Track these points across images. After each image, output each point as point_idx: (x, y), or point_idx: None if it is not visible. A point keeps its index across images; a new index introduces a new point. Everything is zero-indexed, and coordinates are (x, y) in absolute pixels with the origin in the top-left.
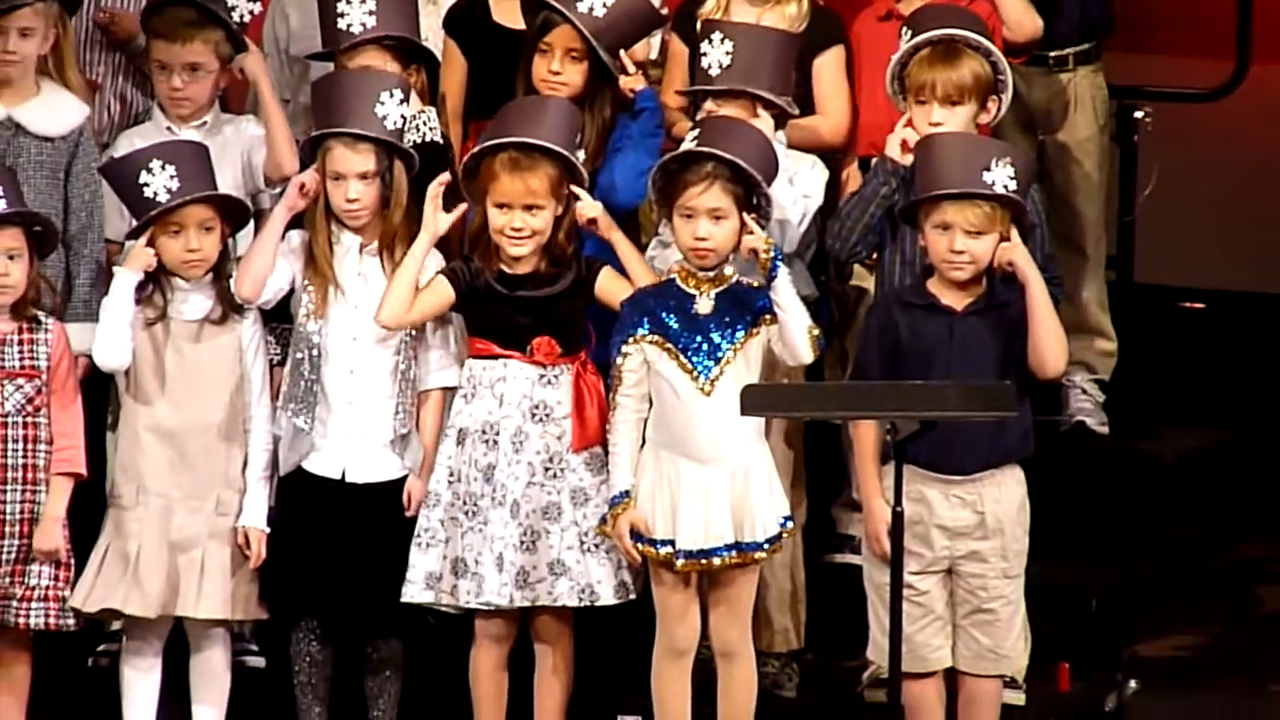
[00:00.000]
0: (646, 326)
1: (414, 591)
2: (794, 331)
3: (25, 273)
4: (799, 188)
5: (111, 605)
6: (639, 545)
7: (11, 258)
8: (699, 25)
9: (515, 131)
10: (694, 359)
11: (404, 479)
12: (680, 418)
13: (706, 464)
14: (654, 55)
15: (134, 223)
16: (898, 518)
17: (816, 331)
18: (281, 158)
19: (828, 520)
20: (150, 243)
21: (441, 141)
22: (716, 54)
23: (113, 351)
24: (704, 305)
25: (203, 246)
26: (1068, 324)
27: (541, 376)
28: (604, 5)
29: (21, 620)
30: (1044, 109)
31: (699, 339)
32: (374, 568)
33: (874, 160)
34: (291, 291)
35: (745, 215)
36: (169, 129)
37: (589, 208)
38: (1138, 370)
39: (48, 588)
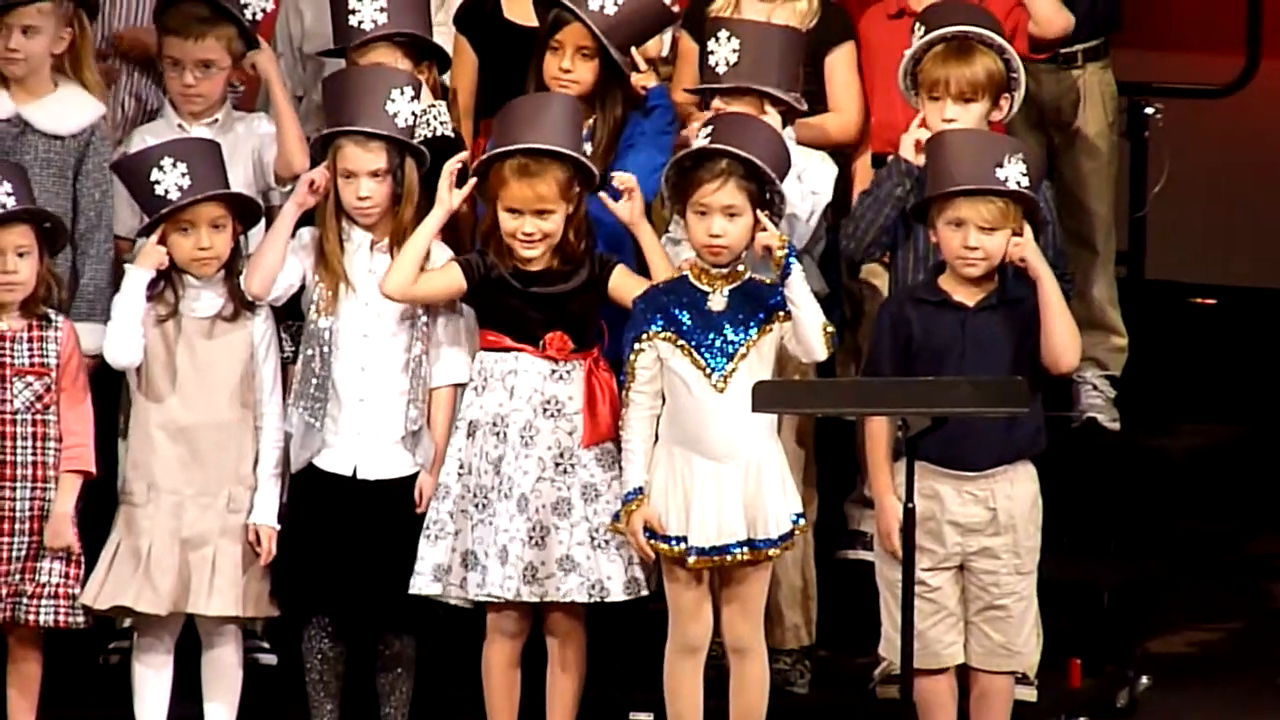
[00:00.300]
0: (660, 323)
1: (422, 584)
2: (808, 328)
3: (35, 270)
4: (808, 184)
5: (123, 602)
6: (652, 542)
7: (21, 255)
8: (706, 23)
9: (521, 135)
10: (707, 356)
11: (415, 475)
12: (693, 414)
13: (720, 461)
14: (665, 52)
15: (145, 220)
16: (909, 514)
17: (830, 328)
18: (292, 155)
19: (839, 516)
20: (162, 240)
21: (453, 136)
22: (723, 52)
23: (124, 349)
24: (717, 302)
25: (214, 244)
26: (1079, 320)
27: (553, 371)
28: (615, 3)
29: (32, 618)
30: (1054, 105)
31: (712, 336)
32: (385, 564)
33: (889, 158)
34: (303, 288)
35: (759, 212)
36: (180, 126)
37: (623, 179)
38: (1149, 366)
39: (58, 585)
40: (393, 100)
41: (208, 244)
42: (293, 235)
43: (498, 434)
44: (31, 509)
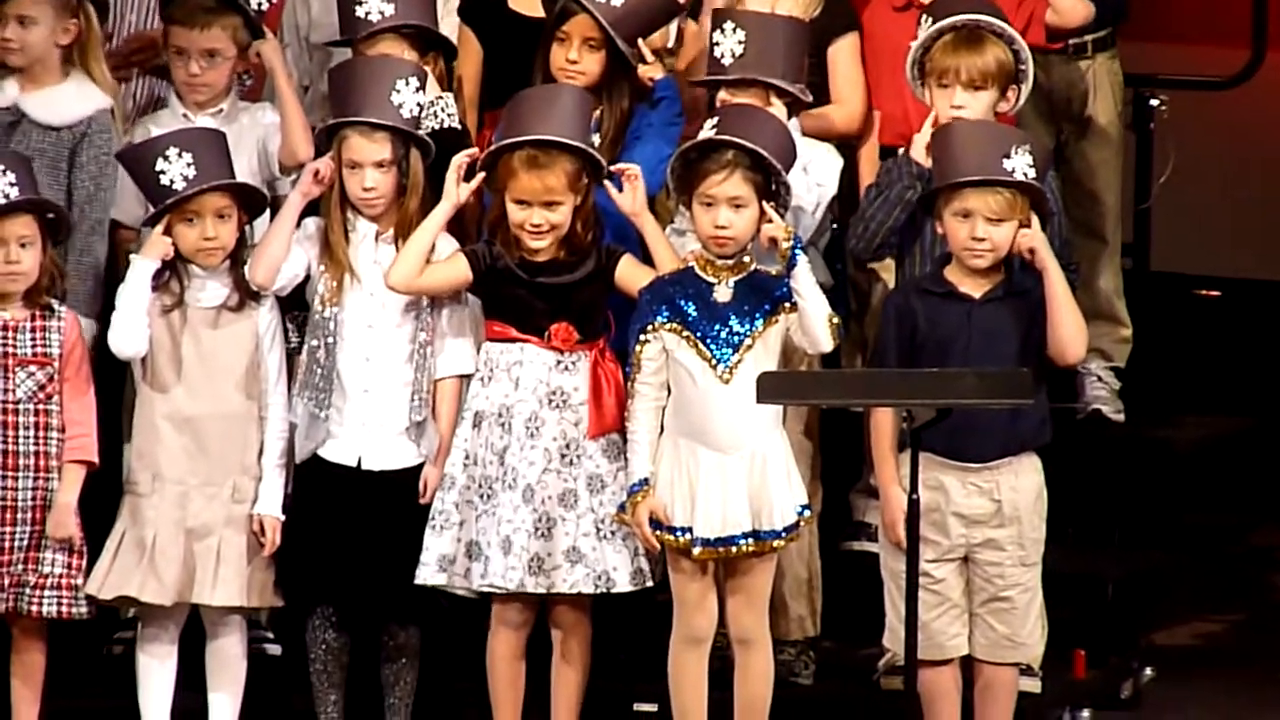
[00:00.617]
0: (665, 314)
1: (427, 574)
2: (814, 320)
3: (37, 260)
4: (813, 176)
5: (127, 592)
6: (657, 533)
7: (24, 245)
8: (711, 14)
9: (530, 126)
10: (713, 347)
11: (420, 466)
12: (699, 406)
13: (725, 452)
14: (671, 43)
15: (151, 210)
16: (913, 505)
17: (836, 320)
18: (296, 145)
19: (844, 508)
20: (167, 230)
21: (460, 128)
22: (729, 43)
23: (130, 339)
24: (723, 293)
25: (219, 234)
26: (1085, 311)
27: (559, 362)
28: None
29: (35, 608)
30: (1064, 96)
31: (718, 327)
32: (390, 555)
33: (899, 154)
34: (308, 278)
35: (765, 204)
36: (185, 116)
37: (629, 168)
38: (1154, 358)
39: (60, 576)
40: (398, 91)
41: (213, 234)
42: (298, 225)
43: (503, 425)
44: (34, 499)
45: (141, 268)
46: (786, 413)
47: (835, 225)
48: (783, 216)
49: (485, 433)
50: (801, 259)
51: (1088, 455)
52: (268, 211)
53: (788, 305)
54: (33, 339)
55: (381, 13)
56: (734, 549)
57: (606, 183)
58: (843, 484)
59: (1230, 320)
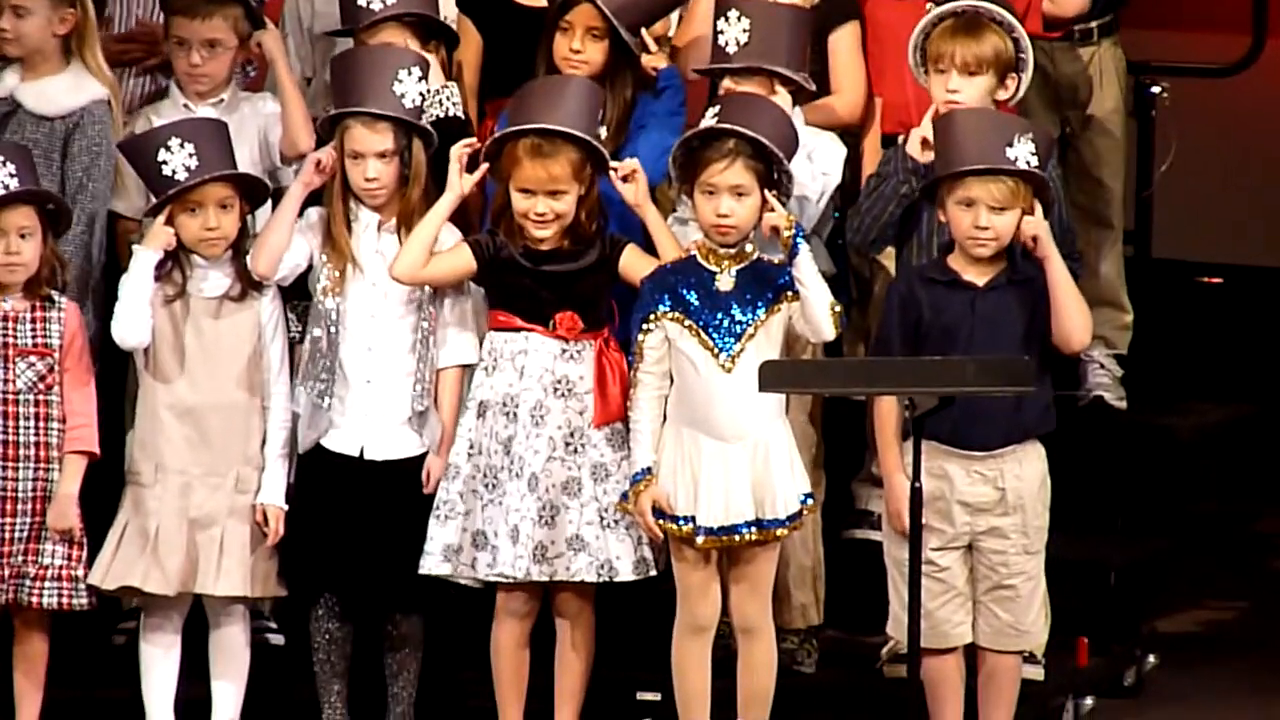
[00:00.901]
0: (667, 303)
1: (432, 564)
2: (816, 308)
3: (37, 251)
4: (818, 164)
5: (131, 583)
6: (660, 522)
7: (23, 236)
8: (714, 1)
9: (537, 115)
10: (715, 336)
11: (422, 456)
12: (701, 395)
13: (727, 441)
14: (672, 32)
15: (153, 200)
16: (916, 493)
17: (838, 308)
18: (297, 135)
19: (847, 496)
20: (169, 220)
21: (463, 117)
22: (733, 32)
23: (132, 330)
24: (725, 282)
25: (221, 224)
26: (1088, 297)
27: (564, 351)
28: None
29: (35, 599)
30: (1070, 83)
31: (720, 316)
32: (393, 545)
33: (899, 139)
34: (310, 268)
35: (767, 192)
36: (186, 106)
37: (628, 164)
38: (1156, 345)
39: (61, 567)
40: (400, 81)
41: (215, 224)
42: (300, 215)
43: (508, 414)
44: (34, 490)
45: (144, 258)
46: (789, 401)
47: (837, 214)
48: (784, 205)
49: (490, 422)
50: (803, 247)
51: (1090, 442)
52: (269, 201)
53: (790, 294)
54: (33, 329)
55: (383, 2)
56: (737, 538)
57: (611, 174)
58: (845, 472)
59: (1232, 307)
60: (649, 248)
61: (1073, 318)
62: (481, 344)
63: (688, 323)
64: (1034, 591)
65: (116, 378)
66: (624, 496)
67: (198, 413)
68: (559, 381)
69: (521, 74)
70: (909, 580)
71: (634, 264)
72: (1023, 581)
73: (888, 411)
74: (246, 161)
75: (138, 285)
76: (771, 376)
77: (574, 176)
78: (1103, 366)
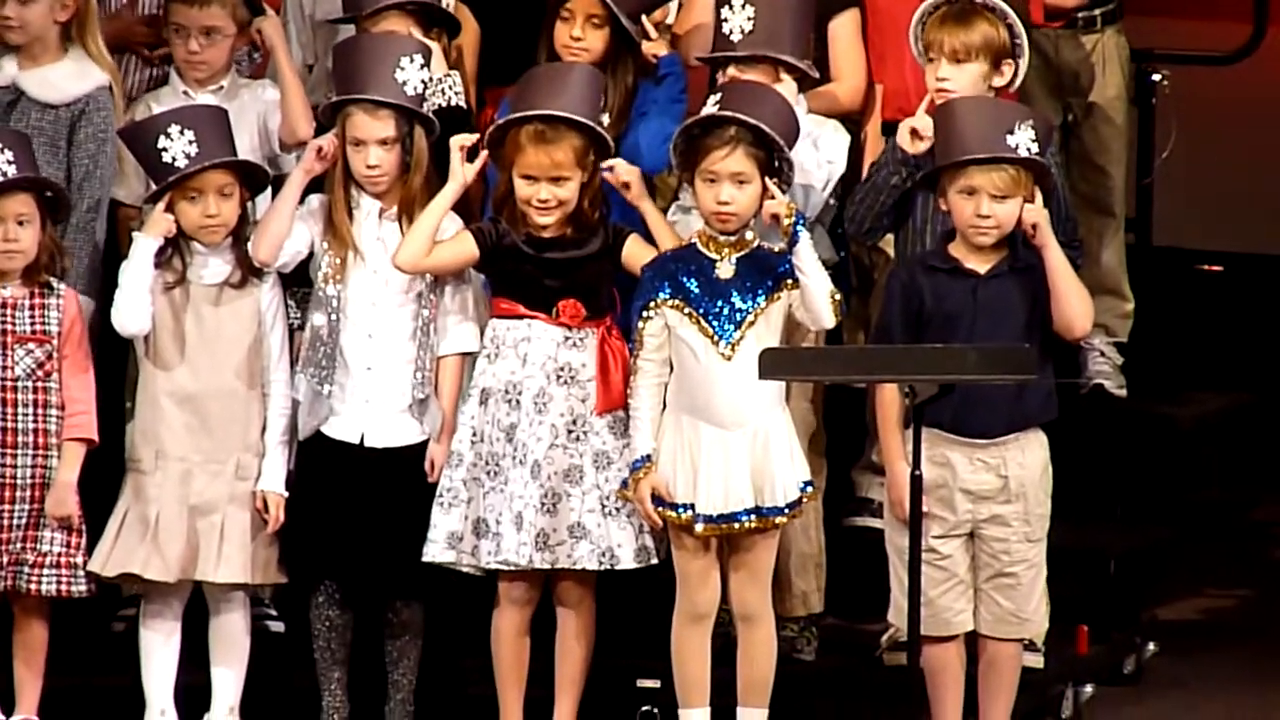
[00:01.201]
0: (667, 291)
1: (435, 551)
2: (815, 296)
3: (36, 238)
4: (823, 153)
5: (131, 570)
6: (660, 509)
7: (22, 223)
8: None
9: (540, 102)
10: (715, 323)
11: (423, 444)
12: (701, 382)
13: (727, 428)
14: (671, 19)
15: (153, 187)
16: (916, 481)
17: (838, 296)
18: (296, 123)
19: (847, 484)
20: (169, 208)
21: (465, 107)
22: (738, 20)
23: (133, 317)
24: (725, 270)
25: (221, 211)
26: (1090, 285)
27: (566, 339)
28: None
29: (34, 587)
30: (1072, 71)
31: (720, 303)
32: (393, 532)
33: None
34: (311, 255)
35: (767, 180)
36: (185, 93)
37: (625, 173)
38: (1156, 333)
39: (60, 554)
40: (402, 69)
41: (215, 211)
42: (301, 202)
43: (510, 401)
44: (33, 477)
45: (144, 245)
46: (791, 390)
47: (835, 202)
48: (785, 192)
49: (492, 410)
50: (803, 235)
51: (1090, 430)
52: (269, 188)
53: (790, 282)
54: (31, 316)
55: None
56: (736, 525)
57: (606, 174)
58: (846, 460)
59: (1232, 295)
60: (650, 239)
61: (1073, 304)
62: (482, 332)
63: (688, 310)
64: (1035, 579)
65: (116, 365)
66: (624, 484)
67: (198, 400)
68: (561, 369)
69: (521, 62)
70: (909, 568)
71: (636, 254)
72: (1024, 569)
73: (890, 400)
74: (246, 148)
75: (138, 272)
76: (771, 364)
77: (577, 163)
78: (1103, 354)
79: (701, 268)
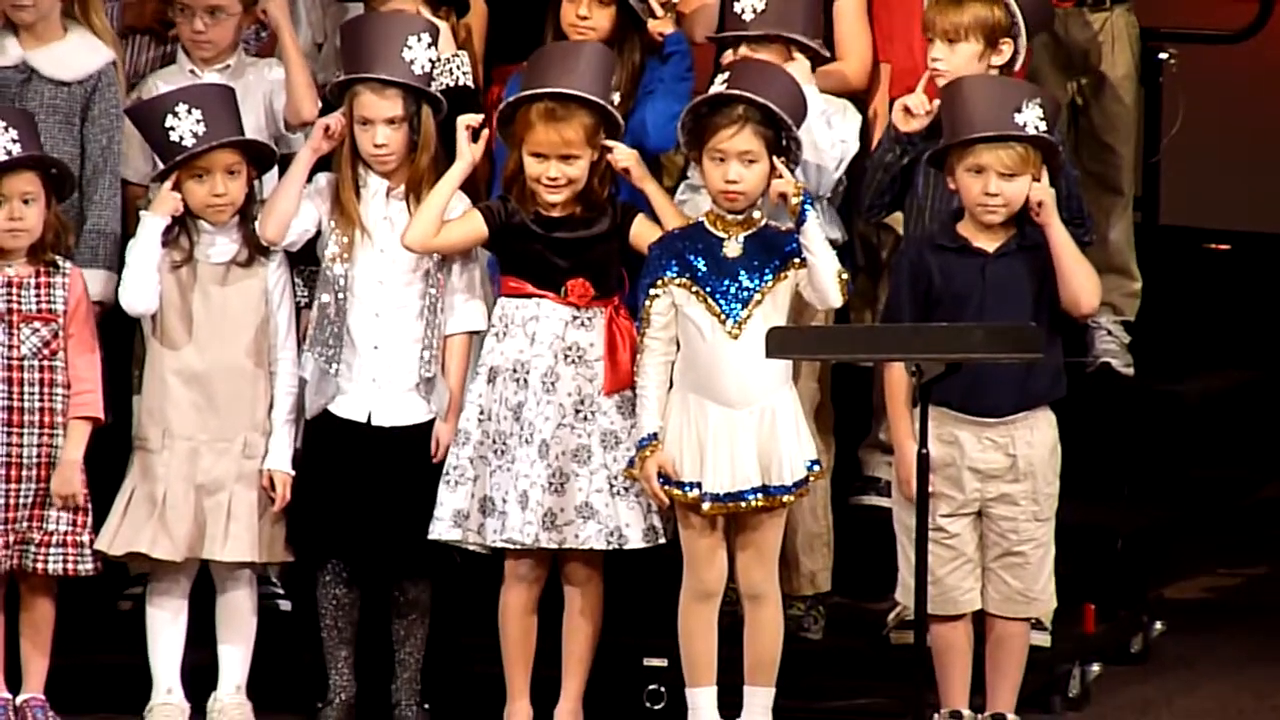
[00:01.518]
0: (674, 269)
1: (441, 529)
2: (822, 275)
3: (41, 216)
4: (836, 132)
5: (138, 548)
6: (666, 488)
7: (27, 201)
8: None
9: (550, 80)
10: (722, 302)
11: (430, 422)
12: (707, 360)
13: (734, 407)
14: None
15: (160, 166)
16: (922, 460)
17: (845, 275)
18: (301, 103)
19: (854, 463)
20: (176, 186)
21: (472, 86)
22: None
23: (140, 296)
24: (732, 249)
25: (229, 190)
26: (1097, 264)
27: (575, 318)
28: None
29: (40, 566)
30: (1082, 49)
31: (727, 282)
32: (400, 510)
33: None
34: (318, 234)
35: (775, 159)
36: (192, 72)
37: (624, 158)
38: (1163, 312)
39: (66, 533)
40: (410, 48)
41: (223, 190)
42: (308, 181)
43: (518, 380)
44: (39, 456)
45: (151, 224)
46: (800, 369)
47: (845, 182)
48: (792, 172)
49: (500, 388)
50: (810, 214)
51: (1097, 409)
52: (276, 167)
53: (797, 261)
54: (37, 295)
55: None
56: (743, 504)
57: (610, 157)
58: (853, 439)
59: (1239, 274)
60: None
61: (1079, 281)
62: (491, 311)
63: (695, 289)
64: (1044, 558)
65: (124, 343)
66: (630, 463)
67: (205, 378)
68: (569, 348)
69: (528, 41)
70: (916, 547)
71: (644, 233)
72: (1032, 548)
73: (898, 379)
74: (253, 128)
75: (145, 251)
76: (778, 343)
77: (587, 141)
78: (1110, 333)
79: (709, 246)
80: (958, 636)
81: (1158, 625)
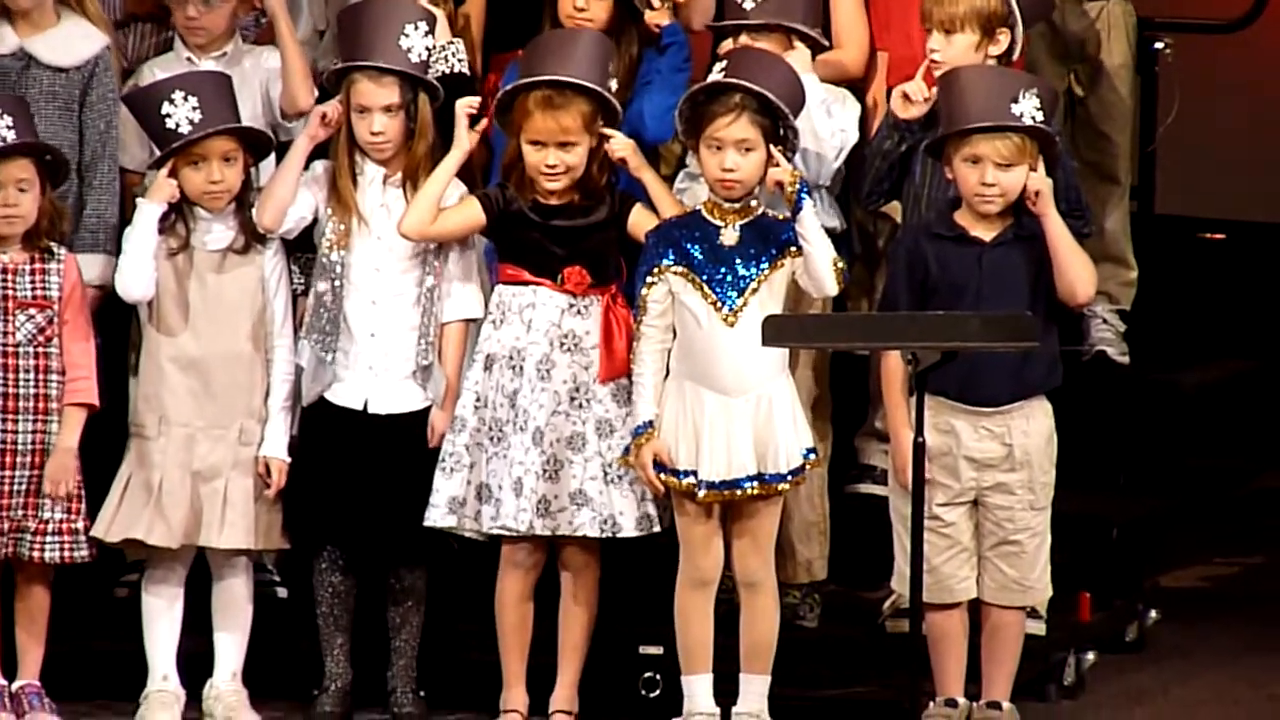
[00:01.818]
0: (671, 257)
1: (437, 516)
2: (819, 263)
3: (36, 203)
4: (837, 121)
5: (134, 535)
6: (662, 475)
7: (21, 189)
8: None
9: (548, 67)
10: (718, 290)
11: (426, 410)
12: (704, 348)
13: (730, 395)
14: None
15: (156, 153)
16: (918, 448)
17: (841, 263)
18: (297, 92)
19: (850, 451)
20: (172, 173)
21: (469, 73)
22: None
23: (136, 282)
24: (729, 236)
25: (225, 178)
26: (1092, 253)
27: (571, 306)
28: None
29: (36, 554)
30: (1079, 38)
31: (723, 270)
32: (396, 498)
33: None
34: (315, 221)
35: (772, 147)
36: (189, 59)
37: (620, 147)
38: (1158, 301)
39: (61, 521)
40: (406, 35)
41: (219, 177)
42: (305, 168)
43: (514, 367)
44: (33, 443)
45: (148, 211)
46: (797, 357)
47: (843, 170)
48: (790, 160)
49: (496, 375)
50: (807, 202)
51: (1093, 397)
52: (273, 155)
53: (794, 249)
54: (32, 282)
55: None
56: (739, 492)
57: (607, 147)
58: (849, 427)
59: (1235, 263)
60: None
61: (1075, 270)
62: (487, 299)
63: (691, 276)
64: (1040, 547)
65: (121, 328)
66: (626, 450)
67: (201, 365)
68: (565, 336)
69: (526, 30)
70: (911, 535)
71: (643, 222)
72: (1028, 537)
73: (895, 367)
74: (250, 115)
75: (141, 238)
76: (774, 331)
77: (585, 128)
78: (1105, 322)
79: (706, 234)
80: (953, 625)
81: (1153, 614)
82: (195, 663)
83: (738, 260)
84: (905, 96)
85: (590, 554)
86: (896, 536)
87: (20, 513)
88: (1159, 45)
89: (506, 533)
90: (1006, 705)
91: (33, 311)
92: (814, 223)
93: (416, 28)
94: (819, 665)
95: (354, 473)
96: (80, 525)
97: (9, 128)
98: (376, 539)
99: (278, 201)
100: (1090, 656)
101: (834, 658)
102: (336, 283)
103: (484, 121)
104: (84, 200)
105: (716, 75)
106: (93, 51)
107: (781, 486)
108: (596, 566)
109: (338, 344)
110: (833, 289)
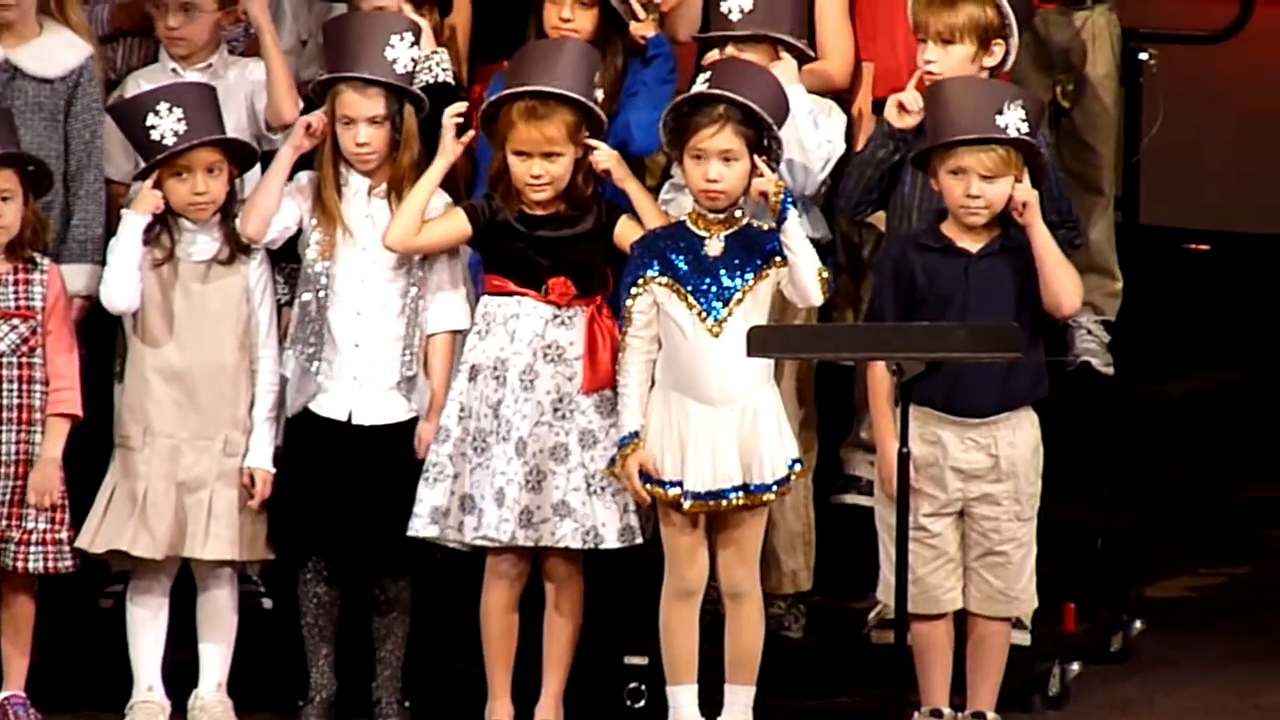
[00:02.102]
0: (656, 268)
1: (420, 526)
2: (803, 273)
3: (19, 213)
4: (823, 132)
5: (119, 546)
6: (647, 486)
7: (4, 199)
8: None
9: (532, 77)
10: (703, 300)
11: (411, 421)
12: (689, 359)
13: (715, 405)
14: None
15: (141, 164)
16: (903, 459)
17: (826, 274)
18: (281, 104)
19: (835, 461)
20: (157, 185)
21: (454, 83)
22: None
23: (121, 294)
24: (714, 247)
25: (210, 189)
26: (1078, 264)
27: (555, 316)
28: None
29: (20, 564)
30: (1063, 49)
31: (708, 281)
32: (381, 509)
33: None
34: (299, 232)
35: (756, 158)
36: (173, 70)
37: (604, 158)
38: (1143, 312)
39: (45, 531)
40: (392, 46)
41: (204, 189)
42: (290, 179)
43: (497, 378)
44: (17, 453)
45: (132, 222)
46: (782, 368)
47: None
48: (774, 170)
49: (480, 386)
50: (791, 213)
51: (1077, 408)
52: (258, 166)
53: (778, 259)
54: (15, 292)
55: None
56: (724, 502)
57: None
58: (834, 438)
59: (1219, 273)
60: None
61: (1060, 282)
62: (473, 310)
63: (676, 287)
64: (1025, 558)
65: (106, 338)
66: (611, 461)
67: (186, 376)
68: (549, 346)
69: (511, 40)
70: (896, 545)
71: (628, 233)
72: (1014, 548)
73: (880, 377)
74: (234, 127)
75: (126, 249)
76: (759, 341)
77: (569, 138)
78: (1090, 333)
79: (690, 245)
80: (938, 635)
81: (1138, 624)
82: (180, 673)
83: (722, 271)
84: (901, 106)
85: (574, 565)
86: (882, 546)
87: (4, 523)
88: (1143, 56)
89: (488, 543)
90: (992, 716)
91: (16, 322)
92: (799, 233)
93: (402, 39)
94: (804, 676)
95: (338, 484)
96: (64, 535)
97: None
98: (361, 550)
99: (262, 211)
100: (1075, 667)
101: (819, 668)
102: (321, 293)
103: (470, 133)
104: (70, 210)
105: (700, 86)
106: (77, 61)
107: (767, 497)
108: (580, 577)
109: (322, 355)
110: (818, 299)
